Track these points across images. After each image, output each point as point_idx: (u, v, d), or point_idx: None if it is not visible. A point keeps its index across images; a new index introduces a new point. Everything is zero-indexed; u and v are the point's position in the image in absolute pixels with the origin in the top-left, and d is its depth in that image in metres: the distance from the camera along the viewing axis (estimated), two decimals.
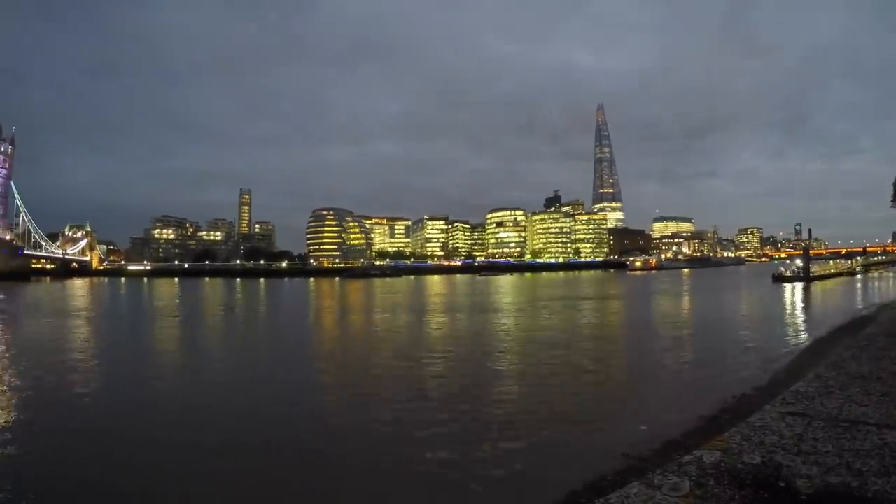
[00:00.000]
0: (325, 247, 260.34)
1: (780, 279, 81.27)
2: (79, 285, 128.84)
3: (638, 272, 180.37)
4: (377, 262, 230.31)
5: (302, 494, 9.46)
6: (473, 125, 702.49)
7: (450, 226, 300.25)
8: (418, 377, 17.47)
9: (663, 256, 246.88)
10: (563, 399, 14.24)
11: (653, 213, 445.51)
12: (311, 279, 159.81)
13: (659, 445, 9.67)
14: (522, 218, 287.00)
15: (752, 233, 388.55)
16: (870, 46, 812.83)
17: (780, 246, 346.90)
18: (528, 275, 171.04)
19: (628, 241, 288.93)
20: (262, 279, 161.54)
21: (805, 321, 33.86)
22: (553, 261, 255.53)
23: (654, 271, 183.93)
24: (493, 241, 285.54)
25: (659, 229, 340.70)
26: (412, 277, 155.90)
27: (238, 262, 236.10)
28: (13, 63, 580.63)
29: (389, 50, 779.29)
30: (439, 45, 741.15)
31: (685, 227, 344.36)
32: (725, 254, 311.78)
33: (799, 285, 73.36)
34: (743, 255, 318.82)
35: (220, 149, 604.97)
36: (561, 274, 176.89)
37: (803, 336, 26.75)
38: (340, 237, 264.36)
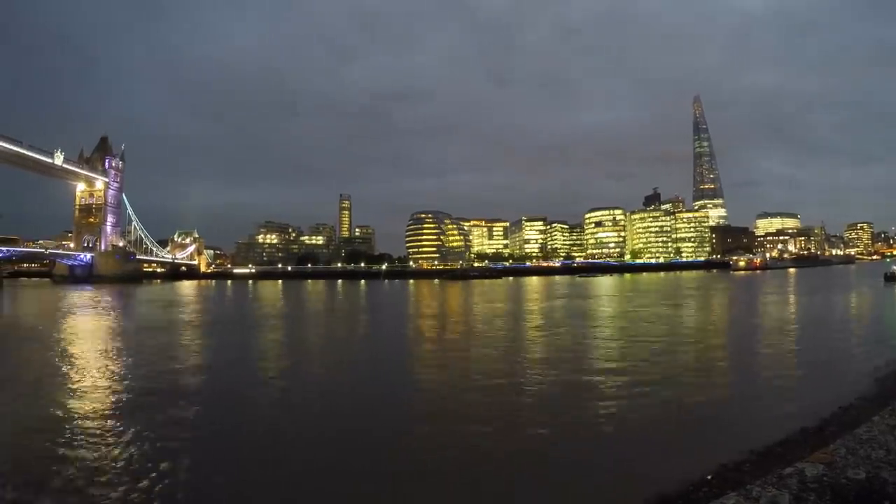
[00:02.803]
0: (424, 249, 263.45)
1: (892, 279, 76.36)
2: (187, 286, 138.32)
3: (742, 272, 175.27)
4: (476, 264, 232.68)
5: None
6: None
7: (548, 227, 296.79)
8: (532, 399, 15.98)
9: (768, 255, 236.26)
10: (659, 405, 13.93)
11: (756, 208, 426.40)
12: (411, 281, 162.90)
13: (758, 456, 9.32)
14: (622, 217, 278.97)
15: (861, 228, 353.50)
16: None
17: (892, 242, 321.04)
18: (627, 276, 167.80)
19: (731, 239, 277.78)
20: (362, 281, 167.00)
21: None
22: (653, 261, 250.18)
23: (758, 271, 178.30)
24: (591, 241, 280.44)
25: (763, 226, 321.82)
26: (511, 279, 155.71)
27: (339, 264, 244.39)
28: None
29: None
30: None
31: (790, 223, 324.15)
32: (833, 251, 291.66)
33: None
34: (852, 253, 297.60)
35: (324, 155, 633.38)
36: (661, 275, 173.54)
37: None
38: (439, 239, 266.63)
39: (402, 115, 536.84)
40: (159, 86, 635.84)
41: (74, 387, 19.33)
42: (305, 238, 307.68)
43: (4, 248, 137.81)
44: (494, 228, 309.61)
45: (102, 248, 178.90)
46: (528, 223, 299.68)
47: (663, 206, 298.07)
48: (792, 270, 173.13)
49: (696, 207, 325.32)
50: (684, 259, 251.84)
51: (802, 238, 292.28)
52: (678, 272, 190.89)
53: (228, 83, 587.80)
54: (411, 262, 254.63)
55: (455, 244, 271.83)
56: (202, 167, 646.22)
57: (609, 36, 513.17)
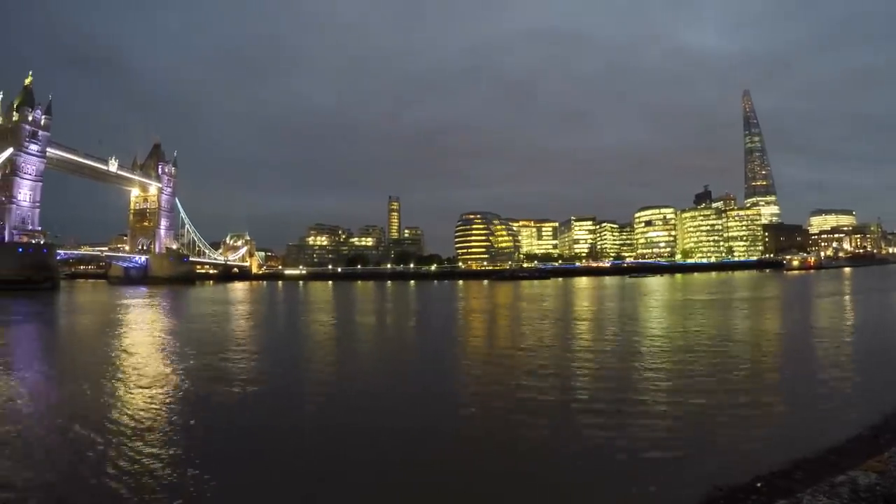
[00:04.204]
0: (473, 250, 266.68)
1: None
2: (239, 287, 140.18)
3: (795, 272, 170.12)
4: (525, 265, 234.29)
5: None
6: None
7: (597, 226, 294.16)
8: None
9: (822, 254, 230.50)
10: (711, 406, 13.42)
11: (810, 205, 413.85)
12: (460, 282, 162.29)
13: (810, 463, 9.04)
14: (672, 216, 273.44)
15: None
16: None
17: None
18: (678, 276, 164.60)
19: (784, 237, 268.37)
20: (411, 282, 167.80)
21: None
22: (705, 261, 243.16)
23: (812, 271, 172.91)
24: (642, 241, 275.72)
25: (817, 224, 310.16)
26: (560, 279, 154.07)
27: (388, 265, 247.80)
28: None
29: None
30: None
31: (845, 220, 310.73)
32: (891, 250, 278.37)
33: None
34: None
35: (375, 168, 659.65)
36: (713, 275, 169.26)
37: None
38: (488, 240, 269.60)
39: (447, 141, 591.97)
40: (244, 127, 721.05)
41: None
42: (355, 239, 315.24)
43: (62, 251, 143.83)
44: (543, 229, 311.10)
45: (157, 250, 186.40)
46: (577, 223, 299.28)
47: (714, 205, 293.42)
48: (847, 270, 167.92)
49: (748, 205, 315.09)
50: (736, 259, 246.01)
51: (858, 236, 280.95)
52: (730, 272, 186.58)
53: (303, 125, 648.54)
54: (460, 263, 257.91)
55: (504, 245, 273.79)
56: (258, 178, 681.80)
57: (616, 82, 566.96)
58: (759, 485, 7.82)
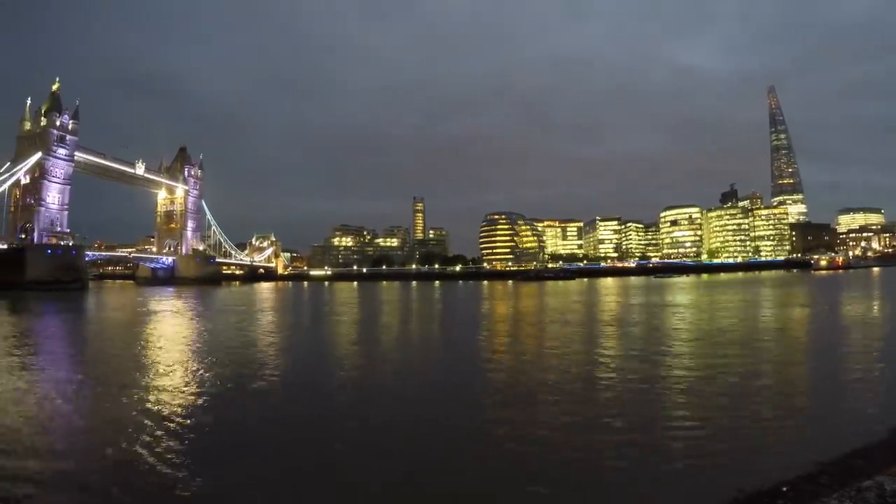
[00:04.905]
0: (498, 250, 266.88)
1: None
2: (265, 287, 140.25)
3: (823, 272, 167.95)
4: (549, 265, 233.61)
5: None
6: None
7: (622, 226, 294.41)
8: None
9: (850, 253, 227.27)
10: (736, 410, 12.97)
11: (838, 203, 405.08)
12: (485, 282, 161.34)
13: (835, 467, 8.73)
14: (698, 215, 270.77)
15: None
16: None
17: None
18: (704, 276, 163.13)
19: (812, 237, 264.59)
20: (436, 282, 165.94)
21: None
22: (731, 261, 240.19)
23: (840, 271, 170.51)
24: (667, 240, 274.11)
25: (845, 222, 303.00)
26: (585, 280, 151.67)
27: (413, 266, 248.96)
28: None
29: None
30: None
31: (874, 218, 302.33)
32: None
33: None
34: None
35: (398, 164, 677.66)
36: (739, 275, 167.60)
37: None
38: (513, 240, 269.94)
39: (471, 151, 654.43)
40: (282, 138, 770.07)
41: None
42: (380, 240, 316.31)
43: (91, 252, 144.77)
44: (568, 229, 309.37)
45: (183, 251, 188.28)
46: (602, 223, 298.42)
47: (741, 203, 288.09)
48: (876, 270, 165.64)
49: (775, 203, 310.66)
50: (763, 258, 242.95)
51: (887, 235, 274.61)
52: (757, 272, 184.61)
53: (338, 137, 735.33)
54: (485, 264, 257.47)
55: (529, 245, 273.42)
56: (288, 183, 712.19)
57: (626, 99, 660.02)
58: (784, 489, 7.69)
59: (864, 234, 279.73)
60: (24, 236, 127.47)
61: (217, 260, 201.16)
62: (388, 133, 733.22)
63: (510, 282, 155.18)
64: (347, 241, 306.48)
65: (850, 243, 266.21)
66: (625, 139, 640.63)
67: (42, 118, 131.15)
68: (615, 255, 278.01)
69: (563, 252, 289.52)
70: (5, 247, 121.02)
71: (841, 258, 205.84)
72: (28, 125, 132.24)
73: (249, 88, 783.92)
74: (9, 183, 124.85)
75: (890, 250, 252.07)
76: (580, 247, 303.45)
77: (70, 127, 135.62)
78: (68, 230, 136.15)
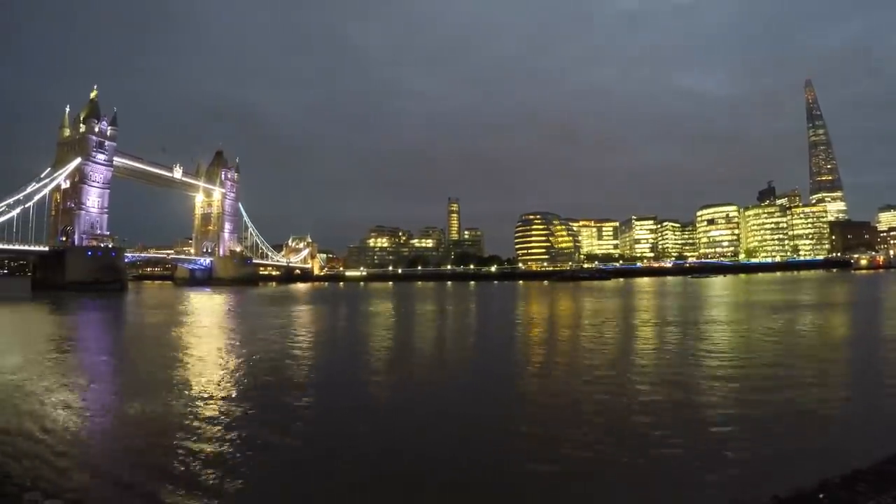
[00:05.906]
0: (533, 250, 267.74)
1: None
2: (301, 288, 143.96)
3: (863, 271, 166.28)
4: (585, 265, 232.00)
5: None
6: None
7: (659, 225, 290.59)
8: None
9: (892, 252, 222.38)
10: (771, 417, 12.56)
11: (878, 199, 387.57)
12: (520, 282, 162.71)
13: (872, 475, 8.17)
14: (735, 214, 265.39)
15: None
16: None
17: None
18: (742, 276, 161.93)
19: (852, 235, 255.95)
20: (471, 282, 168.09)
21: None
22: (769, 260, 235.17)
23: (881, 270, 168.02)
24: (704, 240, 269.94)
25: (886, 220, 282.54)
26: (621, 280, 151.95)
27: (448, 266, 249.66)
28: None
29: None
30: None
31: None
32: None
33: None
34: None
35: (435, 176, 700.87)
36: (778, 274, 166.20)
37: None
38: (548, 241, 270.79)
39: (506, 163, 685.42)
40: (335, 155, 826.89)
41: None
42: (415, 241, 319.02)
43: (130, 254, 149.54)
44: (604, 228, 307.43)
45: (220, 253, 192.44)
46: (637, 222, 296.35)
47: (779, 202, 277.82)
48: None
49: (814, 201, 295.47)
50: (802, 258, 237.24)
51: None
52: (796, 272, 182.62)
53: (388, 152, 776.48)
54: (520, 264, 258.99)
55: (564, 245, 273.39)
56: (329, 192, 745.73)
57: (643, 118, 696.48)
58: (821, 496, 7.49)
59: None
60: (64, 239, 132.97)
61: (254, 261, 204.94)
62: (430, 151, 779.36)
63: (545, 282, 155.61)
64: (383, 242, 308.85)
65: (892, 241, 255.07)
66: (648, 153, 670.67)
67: (81, 125, 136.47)
68: (651, 254, 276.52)
69: (598, 252, 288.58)
70: (47, 249, 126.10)
71: (881, 257, 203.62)
72: (67, 132, 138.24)
73: (315, 121, 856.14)
74: (50, 187, 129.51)
75: None
76: (616, 247, 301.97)
77: (108, 133, 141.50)
78: (108, 233, 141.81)
